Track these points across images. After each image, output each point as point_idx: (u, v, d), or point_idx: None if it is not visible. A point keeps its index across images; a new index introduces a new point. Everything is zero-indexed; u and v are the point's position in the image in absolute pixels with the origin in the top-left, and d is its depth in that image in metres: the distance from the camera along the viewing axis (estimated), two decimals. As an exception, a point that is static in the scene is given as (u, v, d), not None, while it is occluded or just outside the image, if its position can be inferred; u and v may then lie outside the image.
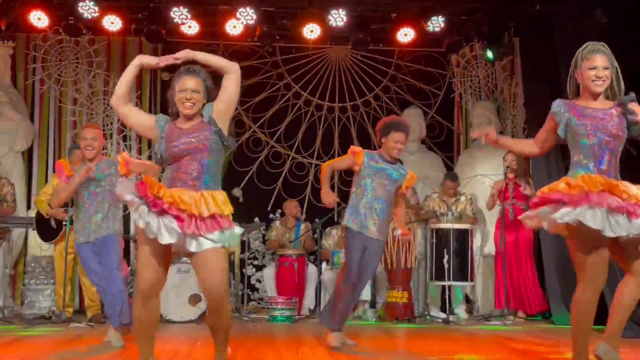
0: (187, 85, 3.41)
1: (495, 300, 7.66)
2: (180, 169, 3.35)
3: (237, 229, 3.38)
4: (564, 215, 3.38)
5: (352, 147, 5.24)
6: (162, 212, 3.21)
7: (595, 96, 3.61)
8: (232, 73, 3.46)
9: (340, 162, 5.31)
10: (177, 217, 3.22)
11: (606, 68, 3.58)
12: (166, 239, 3.22)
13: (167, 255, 3.39)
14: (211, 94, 3.48)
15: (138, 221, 3.23)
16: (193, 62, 3.50)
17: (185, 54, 3.48)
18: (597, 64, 3.57)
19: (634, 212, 3.36)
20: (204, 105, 3.45)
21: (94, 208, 5.03)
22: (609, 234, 3.34)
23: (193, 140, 3.36)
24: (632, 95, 3.65)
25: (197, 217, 3.25)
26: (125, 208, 6.43)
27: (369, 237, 4.97)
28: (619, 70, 3.64)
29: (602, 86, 3.59)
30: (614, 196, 3.37)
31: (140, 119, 3.52)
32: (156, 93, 8.85)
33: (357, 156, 5.08)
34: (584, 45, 3.66)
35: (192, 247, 3.25)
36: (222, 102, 3.45)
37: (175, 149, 3.36)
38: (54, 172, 8.17)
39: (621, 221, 3.34)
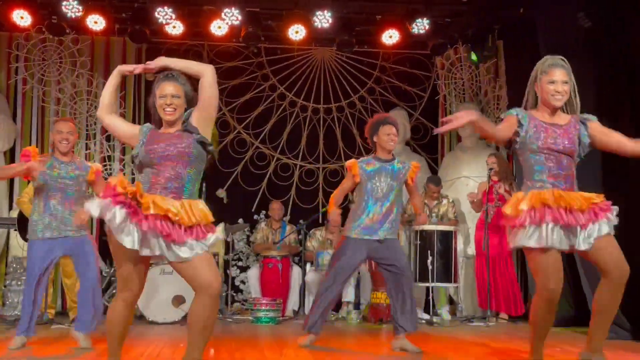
0: (167, 91, 3.38)
1: (478, 301, 7.69)
2: (161, 174, 3.29)
3: (220, 230, 3.38)
4: (527, 239, 3.47)
5: (346, 162, 5.24)
6: (141, 220, 3.14)
7: (553, 110, 3.64)
8: (206, 75, 3.39)
9: (346, 183, 5.22)
10: (161, 227, 3.16)
11: (565, 82, 3.60)
12: (146, 252, 3.19)
13: (146, 258, 3.34)
14: (191, 98, 3.46)
15: (122, 239, 3.13)
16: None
17: (159, 62, 3.46)
18: (556, 78, 3.59)
19: (584, 225, 3.47)
20: (185, 109, 3.43)
21: (62, 207, 4.88)
22: (564, 247, 3.49)
23: (175, 147, 3.30)
24: (593, 117, 3.70)
25: (184, 226, 3.22)
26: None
27: (372, 240, 5.00)
28: (575, 85, 3.66)
29: (561, 101, 3.62)
30: (566, 211, 3.46)
31: (125, 127, 3.50)
32: (140, 94, 8.80)
33: (352, 169, 5.10)
34: (543, 59, 3.69)
35: (182, 253, 3.19)
36: (201, 107, 3.40)
37: (154, 154, 3.29)
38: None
39: (576, 233, 3.48)
